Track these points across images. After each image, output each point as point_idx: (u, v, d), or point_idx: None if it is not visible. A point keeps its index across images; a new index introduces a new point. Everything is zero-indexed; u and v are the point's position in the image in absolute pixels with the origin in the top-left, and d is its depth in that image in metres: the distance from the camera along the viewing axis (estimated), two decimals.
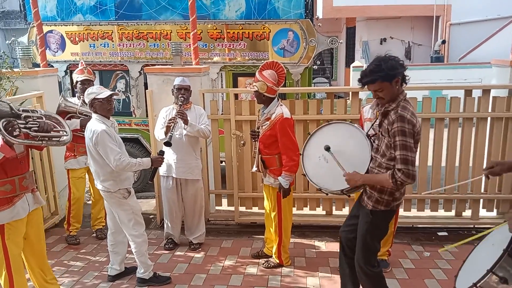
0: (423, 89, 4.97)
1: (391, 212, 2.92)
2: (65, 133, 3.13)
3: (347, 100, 4.99)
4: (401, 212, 4.03)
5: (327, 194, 3.19)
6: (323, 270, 4.03)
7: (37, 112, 3.04)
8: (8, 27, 15.51)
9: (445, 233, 4.74)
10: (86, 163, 4.61)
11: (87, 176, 4.75)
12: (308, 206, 5.02)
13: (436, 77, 11.51)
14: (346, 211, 4.90)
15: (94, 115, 3.57)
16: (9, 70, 4.75)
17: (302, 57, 6.28)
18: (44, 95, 4.95)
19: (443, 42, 14.38)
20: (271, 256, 4.18)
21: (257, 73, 3.82)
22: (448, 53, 14.66)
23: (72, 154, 4.61)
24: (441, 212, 4.90)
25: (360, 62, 13.86)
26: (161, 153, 3.80)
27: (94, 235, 4.88)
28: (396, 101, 2.74)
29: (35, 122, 2.91)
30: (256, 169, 3.97)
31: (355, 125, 3.18)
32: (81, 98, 4.51)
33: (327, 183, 3.08)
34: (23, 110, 2.94)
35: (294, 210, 4.70)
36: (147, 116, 6.66)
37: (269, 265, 4.09)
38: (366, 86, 2.75)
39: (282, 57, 6.26)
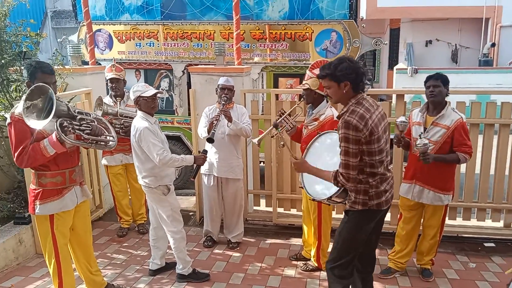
0: (470, 93, 4.80)
1: (371, 212, 2.84)
2: (112, 138, 3.27)
3: (390, 103, 4.88)
4: (446, 220, 3.89)
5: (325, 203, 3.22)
6: None
7: (90, 115, 3.15)
8: (59, 26, 16.18)
9: (492, 245, 4.53)
10: (122, 161, 4.75)
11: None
12: None
13: (484, 81, 11.06)
14: (387, 217, 4.77)
15: (138, 112, 3.66)
16: (60, 67, 4.95)
17: None
18: (92, 92, 5.13)
19: (493, 45, 13.77)
20: (309, 259, 4.14)
21: (307, 72, 3.80)
22: (497, 57, 14.03)
23: (109, 151, 4.73)
24: (488, 222, 4.70)
25: (404, 64, 13.50)
26: (204, 151, 3.86)
27: (136, 229, 5.01)
28: (346, 105, 2.75)
29: (88, 126, 3.04)
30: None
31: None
32: (112, 94, 4.65)
33: (314, 191, 3.09)
34: (78, 112, 3.07)
35: (334, 214, 4.64)
36: (189, 114, 6.79)
37: (307, 268, 4.06)
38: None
39: (324, 58, 6.19)
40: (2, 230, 4.22)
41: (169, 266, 4.05)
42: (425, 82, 3.65)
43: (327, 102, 3.82)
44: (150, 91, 3.59)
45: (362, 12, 12.33)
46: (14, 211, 4.53)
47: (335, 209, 4.83)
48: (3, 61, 4.52)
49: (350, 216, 2.89)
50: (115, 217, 5.11)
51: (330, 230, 4.05)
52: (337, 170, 2.73)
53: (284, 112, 4.00)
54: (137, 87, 3.64)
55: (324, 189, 2.99)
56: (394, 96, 6.60)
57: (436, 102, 3.59)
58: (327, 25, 6.17)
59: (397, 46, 16.64)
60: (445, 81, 3.58)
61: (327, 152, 3.12)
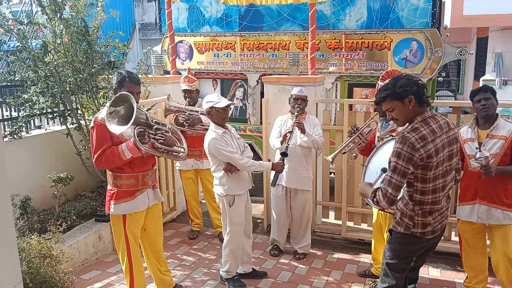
0: None
1: (414, 238, 2.66)
2: (183, 149, 3.43)
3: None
4: None
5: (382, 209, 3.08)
6: None
7: (165, 126, 3.33)
8: (146, 37, 17.27)
9: None
10: (193, 166, 4.90)
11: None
12: None
13: None
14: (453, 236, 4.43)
15: (210, 124, 3.77)
16: (144, 76, 5.27)
17: (425, 68, 5.90)
18: (167, 97, 5.38)
19: None
20: (379, 277, 3.96)
21: (380, 83, 3.67)
22: None
23: None
24: None
25: (492, 76, 12.55)
26: (282, 159, 3.87)
27: (218, 237, 5.04)
28: (412, 122, 2.56)
29: (163, 136, 3.19)
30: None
31: None
32: (186, 104, 4.80)
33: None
34: (155, 122, 3.24)
35: None
36: (261, 123, 6.88)
37: (376, 286, 3.89)
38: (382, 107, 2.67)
39: (404, 68, 5.96)
40: (85, 226, 4.57)
41: (257, 274, 4.10)
42: (473, 96, 3.42)
43: None
44: (223, 103, 3.66)
45: (446, 21, 11.70)
46: (96, 209, 4.88)
47: None
48: (93, 70, 4.91)
49: (393, 236, 2.77)
50: (187, 220, 5.30)
51: None
52: (379, 187, 2.59)
53: (357, 128, 3.87)
54: (210, 98, 3.72)
55: None
56: None
57: (489, 116, 3.35)
58: (408, 34, 5.93)
59: (484, 56, 15.55)
60: (493, 92, 3.35)
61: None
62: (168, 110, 4.73)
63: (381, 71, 6.15)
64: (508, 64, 13.87)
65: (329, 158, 4.01)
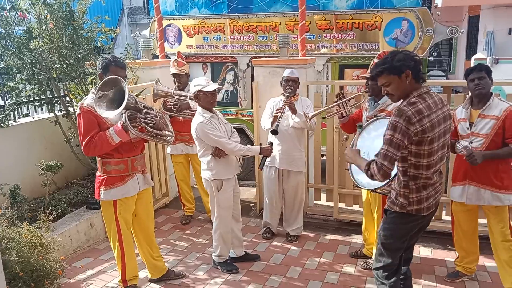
0: None
1: (409, 216, 2.67)
2: (170, 133, 3.41)
3: (467, 95, 4.54)
4: None
5: (372, 191, 3.07)
6: (427, 278, 3.75)
7: (153, 110, 3.31)
8: (135, 22, 17.03)
9: None
10: (183, 151, 4.88)
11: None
12: None
13: None
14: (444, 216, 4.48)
15: (198, 108, 3.72)
16: (132, 61, 5.18)
17: (416, 48, 5.87)
18: (156, 81, 5.30)
19: None
20: (370, 257, 4.00)
21: (375, 60, 3.63)
22: None
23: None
24: None
25: (483, 54, 12.53)
26: (270, 143, 3.85)
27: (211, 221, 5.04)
28: (407, 97, 2.54)
29: (152, 120, 3.18)
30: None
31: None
32: (175, 88, 4.74)
33: (363, 179, 2.93)
34: (144, 106, 3.23)
35: None
36: (252, 107, 6.83)
37: (367, 267, 3.92)
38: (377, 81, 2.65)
39: (395, 48, 5.91)
40: (76, 214, 4.54)
41: (250, 257, 4.11)
42: (467, 75, 3.38)
43: None
44: (211, 86, 3.62)
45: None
46: (87, 197, 4.85)
47: None
48: (79, 55, 4.83)
49: (389, 216, 2.76)
50: (179, 205, 5.29)
51: None
52: (374, 159, 2.57)
53: (344, 95, 3.86)
54: (198, 81, 3.67)
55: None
56: None
57: (482, 95, 3.31)
58: (398, 14, 5.88)
59: (476, 35, 15.51)
60: (489, 71, 3.31)
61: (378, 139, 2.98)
62: (156, 95, 4.67)
63: (372, 52, 6.15)
64: (500, 43, 13.84)
65: (309, 114, 4.01)
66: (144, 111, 3.19)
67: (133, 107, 3.13)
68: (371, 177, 2.56)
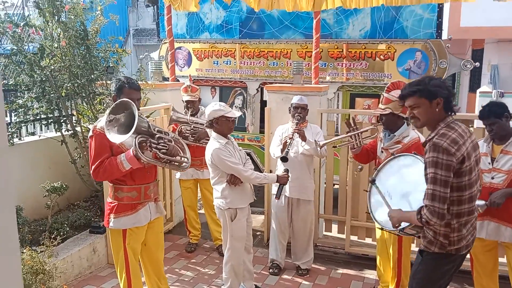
0: None
1: (449, 256, 2.50)
2: (186, 159, 3.23)
3: (470, 127, 4.46)
4: None
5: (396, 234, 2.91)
6: None
7: (168, 135, 3.15)
8: (140, 43, 17.10)
9: None
10: (193, 175, 4.74)
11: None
12: None
13: None
14: None
15: (212, 133, 3.60)
16: (143, 82, 5.10)
17: None
18: (171, 107, 5.22)
19: None
20: None
21: (386, 95, 3.56)
22: None
23: None
24: None
25: (488, 87, 12.57)
26: (286, 170, 3.72)
27: (217, 250, 4.84)
28: (435, 129, 2.43)
29: (165, 145, 3.02)
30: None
31: (419, 156, 2.78)
32: (188, 114, 4.64)
33: (384, 219, 2.77)
34: (157, 131, 3.07)
35: (413, 247, 4.28)
36: (260, 132, 6.73)
37: None
38: (405, 102, 2.54)
39: (407, 79, 5.85)
40: (78, 238, 4.36)
41: None
42: (480, 119, 3.34)
43: (408, 125, 3.55)
44: (236, 113, 3.55)
45: (444, 32, 11.69)
46: (90, 220, 4.68)
47: (414, 241, 4.46)
48: (93, 76, 4.74)
49: (425, 257, 2.58)
50: (184, 231, 5.12)
51: (410, 264, 3.71)
52: (422, 205, 2.40)
53: (357, 127, 3.77)
54: (220, 107, 3.53)
55: None
56: (475, 122, 6.11)
57: (501, 136, 3.26)
58: (412, 45, 5.85)
59: (479, 68, 15.65)
60: (497, 113, 3.22)
61: (400, 176, 2.87)
62: (173, 121, 4.59)
63: (384, 82, 6.09)
64: (504, 76, 13.94)
65: (320, 142, 3.91)
66: (157, 135, 3.03)
67: (145, 132, 2.98)
68: (427, 224, 2.37)
